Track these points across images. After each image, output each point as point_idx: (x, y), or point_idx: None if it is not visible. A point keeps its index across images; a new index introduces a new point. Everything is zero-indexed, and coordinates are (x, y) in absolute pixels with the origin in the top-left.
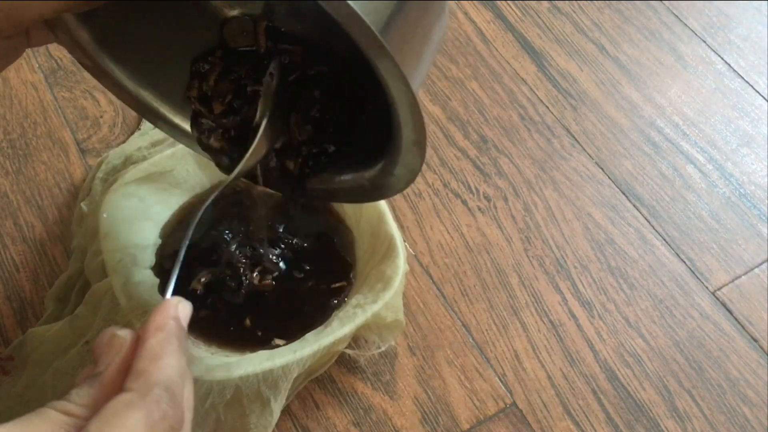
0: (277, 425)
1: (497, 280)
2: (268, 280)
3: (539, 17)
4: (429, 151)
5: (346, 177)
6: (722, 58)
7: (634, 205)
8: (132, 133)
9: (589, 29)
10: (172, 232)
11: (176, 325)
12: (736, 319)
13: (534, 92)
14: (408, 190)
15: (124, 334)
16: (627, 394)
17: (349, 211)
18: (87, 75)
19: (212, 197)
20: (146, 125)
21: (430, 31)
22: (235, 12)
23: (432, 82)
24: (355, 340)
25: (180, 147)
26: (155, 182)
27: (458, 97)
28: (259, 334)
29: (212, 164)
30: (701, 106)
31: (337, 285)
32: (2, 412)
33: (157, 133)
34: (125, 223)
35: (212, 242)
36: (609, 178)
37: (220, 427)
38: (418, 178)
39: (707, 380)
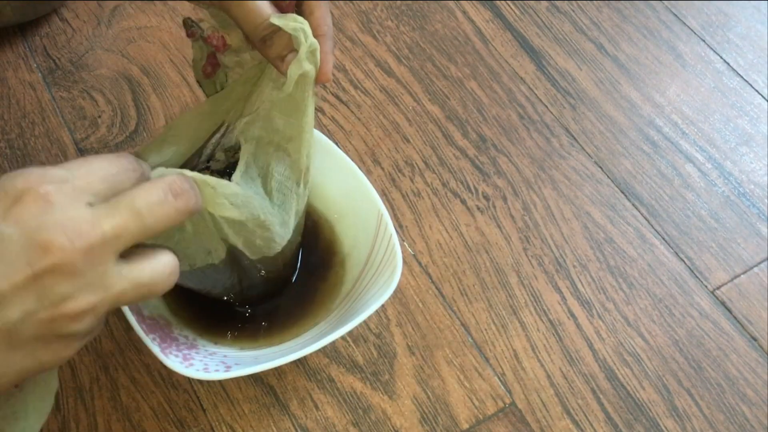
0: (276, 425)
1: (496, 280)
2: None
3: (538, 16)
4: (428, 150)
5: None
6: (721, 57)
7: (633, 204)
8: (129, 133)
9: (588, 28)
10: None
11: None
12: (735, 318)
13: (533, 91)
14: (407, 189)
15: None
16: (626, 394)
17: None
18: (85, 74)
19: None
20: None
21: None
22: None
23: (431, 82)
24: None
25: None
26: None
27: (457, 97)
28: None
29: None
30: (700, 105)
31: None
32: None
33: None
34: None
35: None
36: (608, 177)
37: None
38: (417, 178)
39: (706, 379)
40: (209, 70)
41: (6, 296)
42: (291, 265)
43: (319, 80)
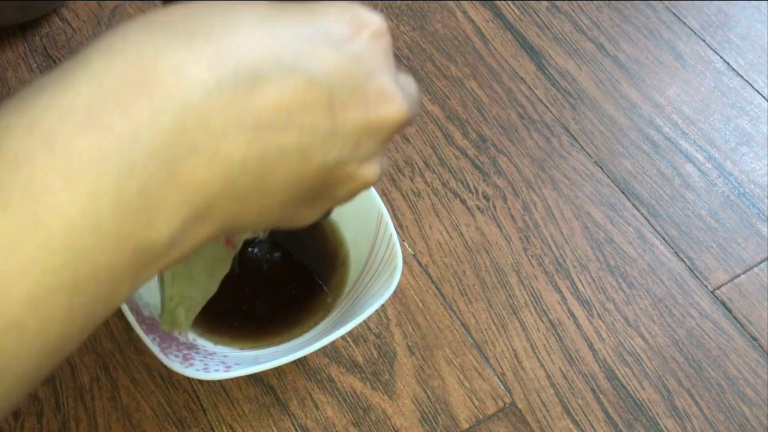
0: (276, 425)
1: (496, 280)
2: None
3: (538, 16)
4: (428, 150)
5: None
6: (721, 57)
7: (633, 204)
8: None
9: (588, 28)
10: None
11: None
12: (735, 318)
13: (533, 91)
14: (407, 190)
15: None
16: (626, 393)
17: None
18: None
19: None
20: None
21: None
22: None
23: (431, 81)
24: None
25: None
26: None
27: (457, 96)
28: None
29: None
30: (700, 105)
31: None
32: None
33: None
34: None
35: None
36: (608, 177)
37: None
38: (417, 178)
39: (706, 379)
40: None
41: (336, 132)
42: None
43: None
